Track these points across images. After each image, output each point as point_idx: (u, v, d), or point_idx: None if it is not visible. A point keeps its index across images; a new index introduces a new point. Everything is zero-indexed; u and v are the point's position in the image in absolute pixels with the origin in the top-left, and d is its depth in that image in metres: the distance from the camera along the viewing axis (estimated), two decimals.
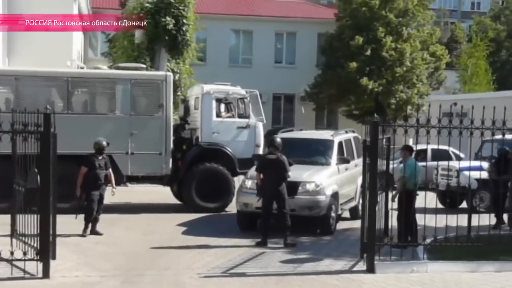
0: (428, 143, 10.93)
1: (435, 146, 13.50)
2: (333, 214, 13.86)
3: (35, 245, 9.81)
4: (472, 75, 41.40)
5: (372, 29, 33.88)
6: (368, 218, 10.68)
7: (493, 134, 11.65)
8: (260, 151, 17.05)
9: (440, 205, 13.78)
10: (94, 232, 13.21)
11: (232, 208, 15.86)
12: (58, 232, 10.45)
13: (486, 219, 11.68)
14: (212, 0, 38.73)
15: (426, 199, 12.54)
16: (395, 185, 12.80)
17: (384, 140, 11.49)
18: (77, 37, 27.15)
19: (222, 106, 17.35)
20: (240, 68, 36.63)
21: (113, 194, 13.60)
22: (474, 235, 12.11)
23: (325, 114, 38.23)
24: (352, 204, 15.50)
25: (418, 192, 12.15)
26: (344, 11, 35.58)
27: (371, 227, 10.64)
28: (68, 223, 12.52)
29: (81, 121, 15.90)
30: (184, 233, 13.91)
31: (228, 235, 13.39)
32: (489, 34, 46.18)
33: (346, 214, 15.76)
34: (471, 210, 12.91)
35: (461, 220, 12.23)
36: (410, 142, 13.01)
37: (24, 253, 9.77)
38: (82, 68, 20.84)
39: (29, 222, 9.88)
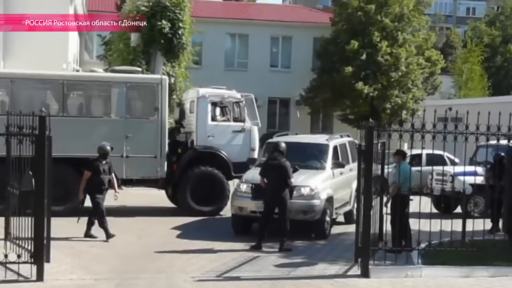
0: (423, 148, 10.95)
1: (430, 151, 13.51)
2: (327, 218, 13.86)
3: (29, 248, 9.78)
4: (467, 80, 41.53)
5: (368, 34, 33.90)
6: (362, 222, 10.70)
7: (487, 140, 11.70)
8: (255, 155, 17.07)
9: (434, 210, 13.82)
10: (88, 235, 13.16)
11: (226, 211, 15.86)
12: (52, 235, 10.45)
13: (480, 224, 11.69)
14: (208, 4, 38.82)
15: (420, 204, 12.55)
16: (389, 190, 12.81)
17: (379, 144, 11.51)
18: (73, 40, 27.08)
19: (218, 110, 17.35)
20: (235, 72, 36.60)
21: (115, 199, 13.51)
22: (469, 240, 12.13)
23: (320, 118, 38.22)
24: (347, 208, 15.52)
25: (412, 197, 12.15)
26: (339, 15, 35.62)
27: (366, 231, 10.65)
28: (62, 226, 12.52)
29: (76, 124, 15.87)
30: (178, 236, 13.90)
31: (223, 239, 13.38)
32: (484, 39, 46.40)
33: (341, 218, 15.78)
34: (465, 215, 12.91)
35: (456, 225, 12.26)
36: (405, 147, 13.01)
37: (18, 256, 9.76)
38: (77, 70, 20.82)
39: (24, 225, 9.84)
